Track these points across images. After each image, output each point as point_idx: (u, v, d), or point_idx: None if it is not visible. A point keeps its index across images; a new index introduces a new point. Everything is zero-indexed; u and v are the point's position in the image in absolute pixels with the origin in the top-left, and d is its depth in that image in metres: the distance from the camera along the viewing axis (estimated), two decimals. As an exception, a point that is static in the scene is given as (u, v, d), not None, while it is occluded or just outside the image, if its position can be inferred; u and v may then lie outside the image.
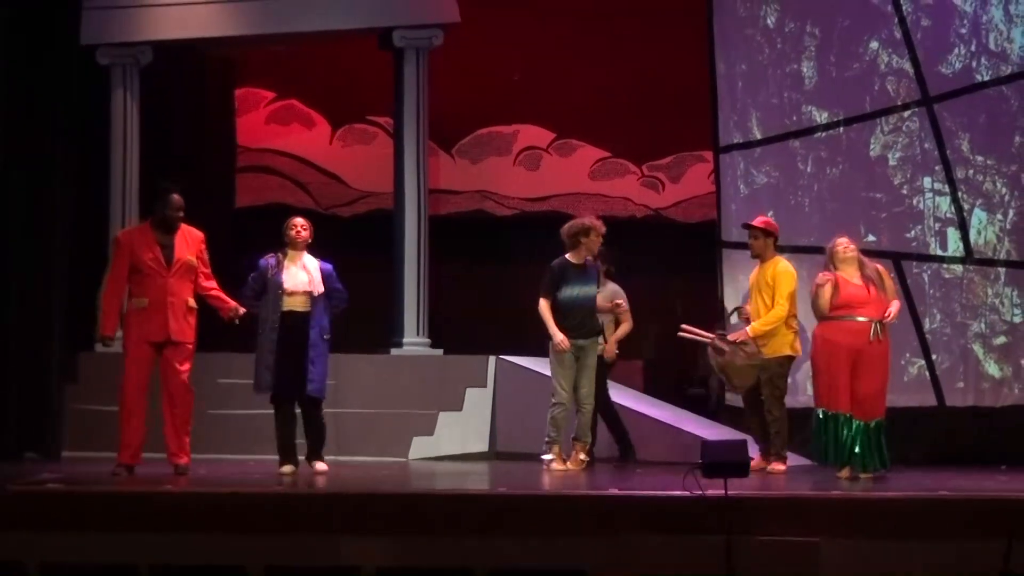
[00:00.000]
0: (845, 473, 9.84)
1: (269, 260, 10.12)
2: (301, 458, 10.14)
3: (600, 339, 11.10)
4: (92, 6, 12.16)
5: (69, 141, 11.33)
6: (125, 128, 12.81)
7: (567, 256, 10.88)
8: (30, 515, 7.87)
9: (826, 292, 9.90)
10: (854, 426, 9.78)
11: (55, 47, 11.28)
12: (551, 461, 10.74)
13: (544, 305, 10.79)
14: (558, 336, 10.66)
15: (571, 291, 10.81)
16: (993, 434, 11.90)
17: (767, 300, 10.70)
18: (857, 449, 9.77)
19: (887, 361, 10.01)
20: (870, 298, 9.87)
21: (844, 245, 10.03)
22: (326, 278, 10.10)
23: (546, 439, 10.80)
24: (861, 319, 9.82)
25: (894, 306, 10.02)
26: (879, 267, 10.13)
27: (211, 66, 14.70)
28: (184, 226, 9.93)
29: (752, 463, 10.79)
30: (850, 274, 9.94)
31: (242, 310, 10.04)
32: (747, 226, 11.07)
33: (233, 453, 11.78)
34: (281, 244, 10.18)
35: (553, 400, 10.78)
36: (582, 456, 10.74)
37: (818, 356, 9.99)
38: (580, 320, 10.81)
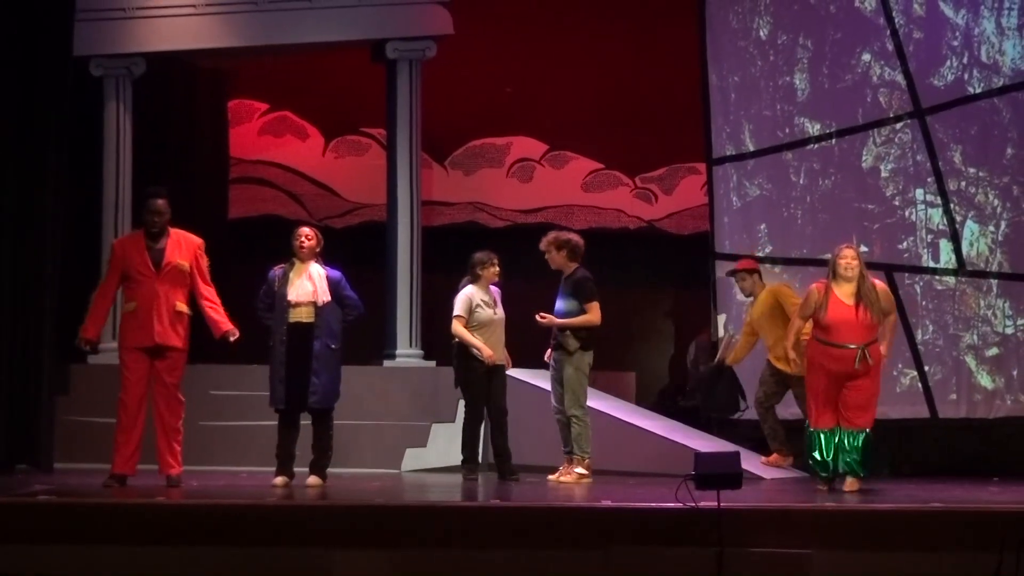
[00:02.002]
0: (823, 486, 9.82)
1: (276, 272, 10.07)
2: (301, 470, 10.09)
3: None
4: (85, 17, 12.15)
5: (61, 152, 11.31)
6: (118, 139, 12.82)
7: None
8: (21, 527, 7.84)
9: (812, 299, 9.74)
10: (836, 437, 9.77)
11: (48, 58, 11.26)
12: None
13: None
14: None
15: None
16: (985, 445, 11.91)
17: (780, 324, 10.99)
18: (838, 455, 9.78)
19: (876, 377, 9.77)
20: (856, 322, 9.58)
21: (847, 262, 9.66)
22: (334, 286, 9.96)
23: None
24: (850, 346, 9.57)
25: (883, 348, 9.73)
26: (877, 285, 9.75)
27: (204, 78, 14.70)
28: (179, 231, 9.89)
29: (770, 459, 11.27)
30: (845, 292, 9.64)
31: (236, 334, 9.99)
32: (732, 273, 11.65)
33: (225, 465, 11.77)
34: (287, 255, 10.14)
35: None
36: (567, 470, 10.77)
37: (808, 377, 9.88)
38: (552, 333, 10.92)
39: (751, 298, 11.50)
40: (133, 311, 9.73)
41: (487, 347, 10.91)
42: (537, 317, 10.78)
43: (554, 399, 10.86)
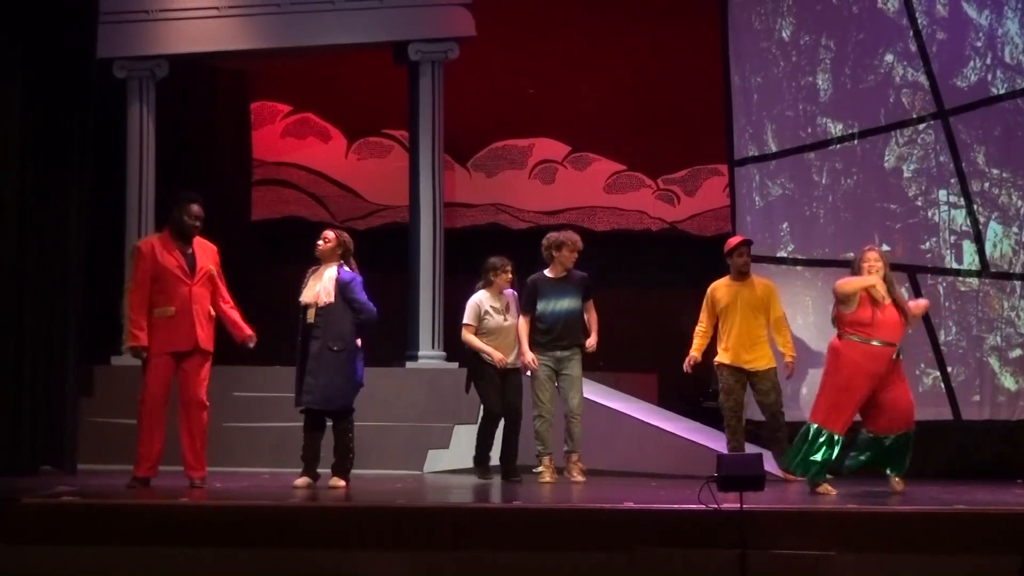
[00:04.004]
0: (824, 488, 9.66)
1: (308, 273, 10.14)
2: (325, 471, 10.10)
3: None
4: (108, 19, 12.17)
5: (85, 154, 11.34)
6: (141, 141, 12.86)
7: (544, 271, 10.95)
8: (46, 529, 7.87)
9: (858, 282, 9.61)
10: (859, 439, 9.79)
11: (71, 60, 11.30)
12: (541, 473, 10.82)
13: (521, 323, 10.95)
14: (528, 356, 10.85)
15: (545, 304, 10.86)
16: (1009, 447, 11.87)
17: (760, 317, 11.09)
18: (865, 457, 9.80)
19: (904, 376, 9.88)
20: (885, 319, 9.57)
21: (870, 263, 9.65)
22: (341, 288, 9.92)
23: (536, 452, 10.89)
24: (887, 343, 9.55)
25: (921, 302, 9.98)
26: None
27: (227, 80, 14.74)
28: (198, 237, 9.95)
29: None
30: (879, 292, 9.60)
31: (254, 340, 10.04)
32: (747, 243, 11.40)
33: (249, 466, 11.80)
34: (309, 257, 10.17)
35: (534, 413, 10.88)
36: (579, 467, 10.77)
37: (838, 374, 9.62)
38: (558, 333, 10.85)
39: (744, 278, 11.21)
40: (171, 315, 9.73)
41: (498, 352, 10.99)
42: (590, 349, 10.86)
43: (544, 398, 10.86)
